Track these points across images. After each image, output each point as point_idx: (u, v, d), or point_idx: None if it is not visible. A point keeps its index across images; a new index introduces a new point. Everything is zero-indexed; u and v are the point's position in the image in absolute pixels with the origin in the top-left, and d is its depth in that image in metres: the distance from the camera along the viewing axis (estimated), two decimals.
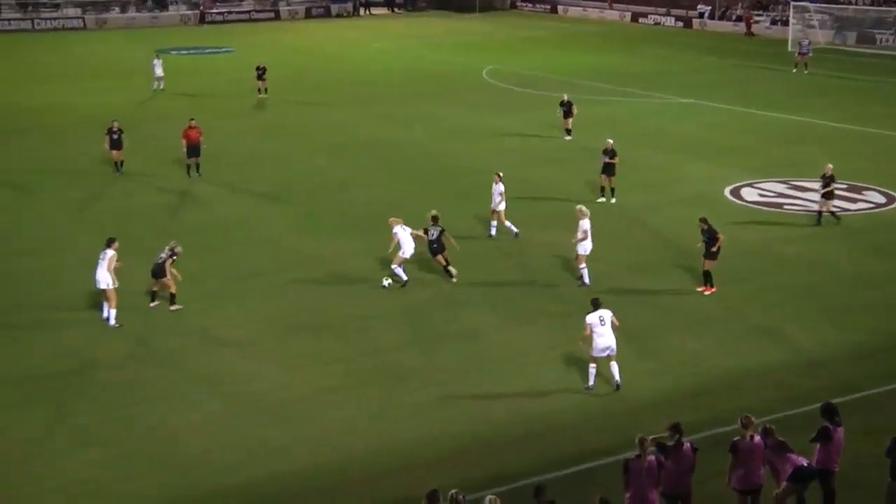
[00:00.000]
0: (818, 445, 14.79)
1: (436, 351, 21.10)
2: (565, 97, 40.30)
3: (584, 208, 24.83)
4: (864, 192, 32.16)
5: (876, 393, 18.98)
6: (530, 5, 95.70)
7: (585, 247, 24.36)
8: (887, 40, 64.76)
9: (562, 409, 18.63)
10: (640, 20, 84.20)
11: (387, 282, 24.29)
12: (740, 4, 79.22)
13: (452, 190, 32.56)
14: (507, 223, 27.91)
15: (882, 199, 31.43)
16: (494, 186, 27.77)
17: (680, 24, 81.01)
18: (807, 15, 68.19)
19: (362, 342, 21.49)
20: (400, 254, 24.37)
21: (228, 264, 26.12)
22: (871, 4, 69.97)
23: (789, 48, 64.47)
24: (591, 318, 19.12)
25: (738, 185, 33.27)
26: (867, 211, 30.59)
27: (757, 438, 14.51)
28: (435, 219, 25.01)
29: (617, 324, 19.29)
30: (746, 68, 59.70)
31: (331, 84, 54.58)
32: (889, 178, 33.50)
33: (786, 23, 69.66)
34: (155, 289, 23.16)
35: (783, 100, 48.68)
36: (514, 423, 18.10)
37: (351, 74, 58.03)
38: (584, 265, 24.50)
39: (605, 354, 19.19)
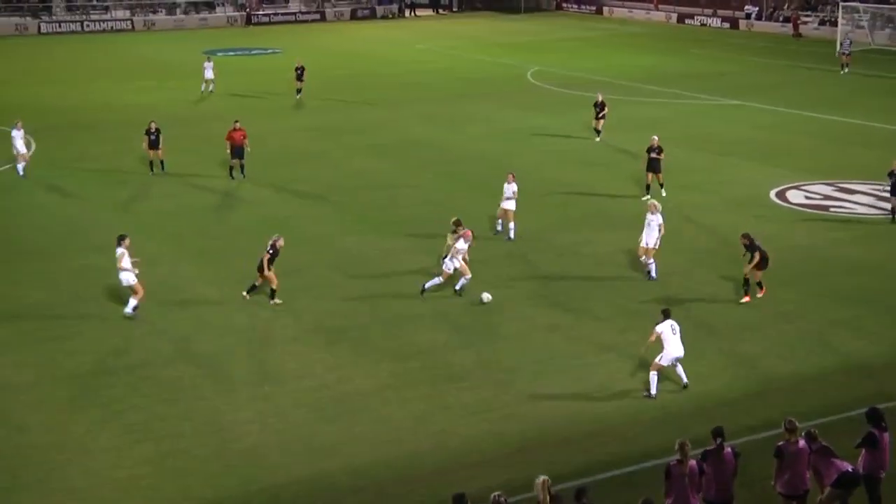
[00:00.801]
0: (864, 451, 14.73)
1: (481, 351, 21.17)
2: (599, 97, 40.30)
3: (657, 203, 25.24)
4: None
5: None
6: (576, 6, 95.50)
7: (656, 241, 24.76)
8: None
9: (610, 410, 18.64)
10: (686, 21, 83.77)
11: (487, 296, 23.61)
12: (787, 5, 78.54)
13: (496, 190, 32.61)
14: (511, 224, 27.94)
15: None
16: (507, 186, 27.87)
17: (726, 24, 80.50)
18: (856, 15, 67.47)
19: (409, 342, 21.62)
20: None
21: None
22: None
23: (838, 49, 63.88)
24: (662, 327, 19.07)
25: (784, 187, 33.07)
26: None
27: (802, 443, 14.46)
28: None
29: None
30: (794, 69, 59.24)
31: (377, 84, 54.87)
32: None
33: (834, 23, 69.01)
34: (257, 283, 23.70)
35: (832, 101, 48.27)
36: (561, 425, 18.14)
37: (396, 75, 58.30)
38: (651, 260, 24.83)
39: (673, 364, 19.18)
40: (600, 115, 39.71)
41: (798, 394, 19.14)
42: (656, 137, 31.73)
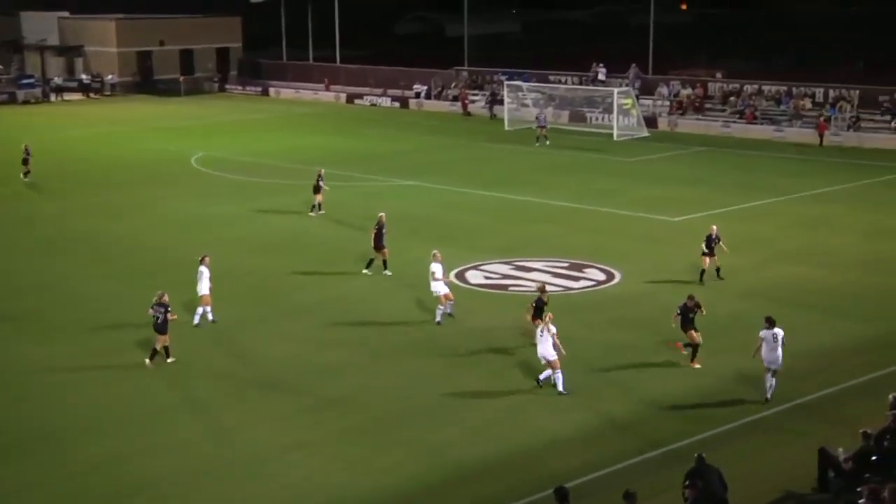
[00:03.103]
0: None
1: (177, 456, 20.97)
2: (321, 171, 43.01)
3: (437, 252, 29.38)
4: (585, 270, 34.44)
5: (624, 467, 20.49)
6: (240, 88, 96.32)
7: (437, 288, 28.99)
8: (597, 118, 69.81)
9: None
10: (356, 101, 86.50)
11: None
12: (454, 84, 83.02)
13: (170, 280, 32.28)
14: (209, 307, 28.79)
15: (602, 276, 33.80)
16: (204, 269, 28.54)
17: (397, 104, 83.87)
18: (520, 94, 72.47)
19: (84, 455, 21.02)
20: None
21: None
22: (581, 84, 75.26)
23: (506, 127, 68.30)
24: (765, 333, 23.24)
25: (463, 267, 34.77)
26: (590, 289, 32.73)
27: None
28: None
29: (785, 343, 23.10)
30: (467, 148, 62.54)
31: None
32: (608, 255, 36.07)
33: (501, 102, 73.72)
34: (158, 346, 25.38)
35: (503, 178, 51.25)
36: None
37: (50, 165, 56.18)
38: (445, 302, 28.99)
39: (771, 367, 23.11)
40: (319, 190, 42.29)
41: (489, 477, 20.17)
42: (383, 215, 33.77)
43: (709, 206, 43.80)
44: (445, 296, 29.09)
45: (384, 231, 33.55)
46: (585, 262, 35.19)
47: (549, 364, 24.09)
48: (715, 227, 33.19)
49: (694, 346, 25.67)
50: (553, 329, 24.24)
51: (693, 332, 25.62)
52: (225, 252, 36.88)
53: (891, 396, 19.82)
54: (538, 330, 24.45)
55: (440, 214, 43.25)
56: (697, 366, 25.57)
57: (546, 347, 24.07)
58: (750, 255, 35.25)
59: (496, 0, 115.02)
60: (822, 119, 61.36)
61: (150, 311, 25.60)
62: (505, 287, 33.06)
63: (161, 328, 25.31)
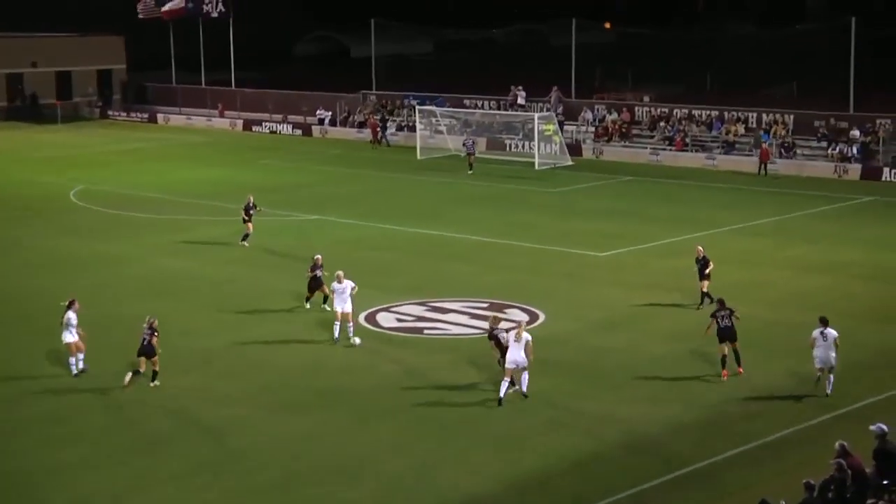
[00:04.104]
0: None
1: None
2: (251, 199, 43.66)
3: (342, 273, 31.17)
4: (507, 311, 34.42)
5: None
6: (125, 115, 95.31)
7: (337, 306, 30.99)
8: (517, 146, 70.30)
9: None
10: (254, 128, 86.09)
11: None
12: (360, 109, 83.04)
13: (43, 327, 31.69)
14: (81, 355, 28.63)
15: (525, 317, 33.85)
16: (71, 314, 28.41)
17: (298, 131, 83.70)
18: (434, 120, 72.78)
19: None
20: None
21: None
22: (499, 108, 75.85)
23: (418, 156, 68.45)
24: (815, 332, 25.97)
25: (373, 309, 34.58)
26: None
27: None
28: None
29: (838, 343, 25.82)
30: (376, 179, 62.54)
31: None
32: (531, 294, 36.22)
33: (413, 128, 73.96)
34: (141, 369, 27.15)
35: (416, 212, 51.34)
36: None
37: None
38: (351, 322, 31.11)
39: (821, 366, 25.87)
40: (249, 218, 43.37)
41: None
42: (319, 256, 34.34)
43: (637, 241, 44.30)
44: (342, 314, 30.83)
45: (319, 274, 34.01)
46: (506, 303, 35.26)
47: (522, 369, 26.02)
48: (701, 248, 34.56)
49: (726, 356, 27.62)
50: (527, 336, 26.31)
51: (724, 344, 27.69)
52: (108, 296, 36.37)
53: (837, 444, 20.06)
54: (511, 336, 26.41)
55: (347, 251, 42.97)
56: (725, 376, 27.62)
57: (518, 353, 25.99)
58: (681, 293, 35.60)
59: (406, 18, 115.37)
60: (764, 146, 62.25)
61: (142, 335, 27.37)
62: (419, 330, 33.00)
63: (147, 350, 27.05)
